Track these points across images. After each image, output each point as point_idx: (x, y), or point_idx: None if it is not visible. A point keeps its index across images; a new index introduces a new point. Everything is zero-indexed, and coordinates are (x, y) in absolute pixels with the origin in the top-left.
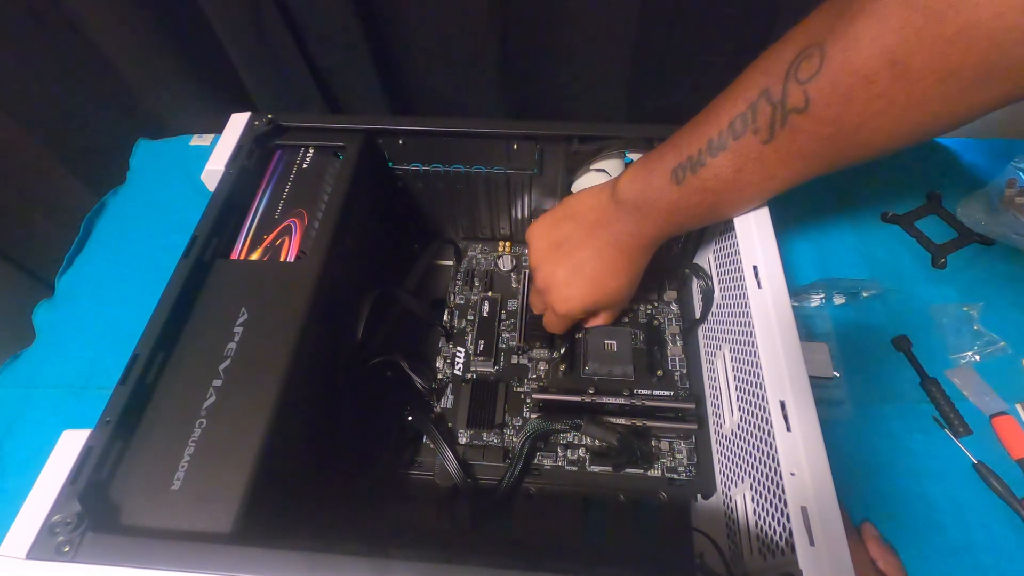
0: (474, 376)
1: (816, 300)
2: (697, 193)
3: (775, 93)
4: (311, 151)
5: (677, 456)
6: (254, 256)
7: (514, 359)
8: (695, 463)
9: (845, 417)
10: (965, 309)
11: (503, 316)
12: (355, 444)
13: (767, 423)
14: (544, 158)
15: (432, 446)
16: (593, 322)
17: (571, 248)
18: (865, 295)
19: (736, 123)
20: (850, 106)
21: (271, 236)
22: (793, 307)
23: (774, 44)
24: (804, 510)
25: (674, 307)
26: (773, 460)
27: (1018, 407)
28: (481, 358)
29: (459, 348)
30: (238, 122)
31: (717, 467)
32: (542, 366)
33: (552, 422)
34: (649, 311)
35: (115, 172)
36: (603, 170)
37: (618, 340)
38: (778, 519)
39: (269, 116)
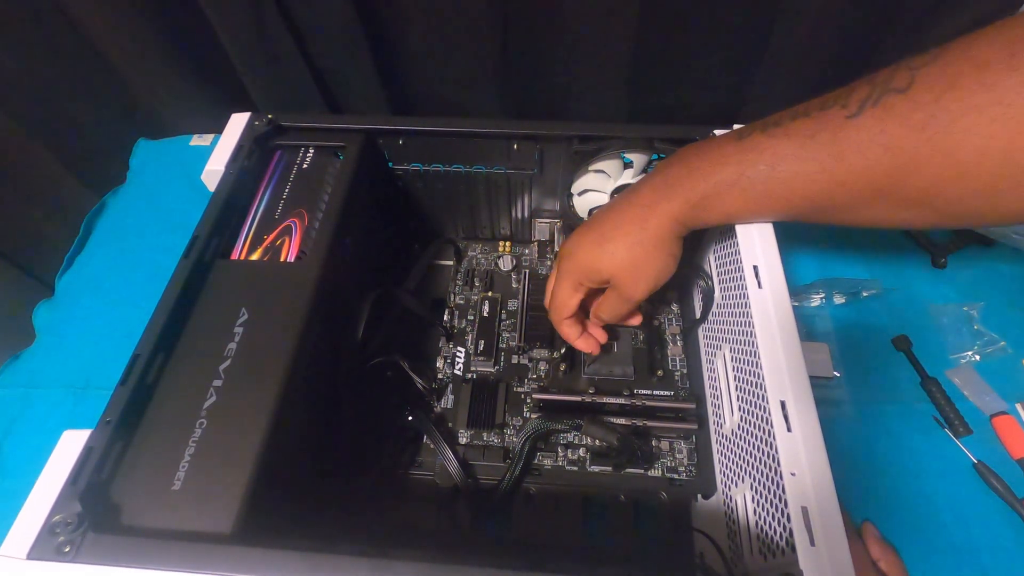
0: (474, 376)
1: (816, 300)
2: (756, 149)
3: (879, 76)
4: (311, 151)
5: (677, 456)
6: (254, 256)
7: (514, 359)
8: (695, 463)
9: (845, 417)
10: (965, 309)
11: (503, 316)
12: (355, 444)
13: (767, 423)
14: (544, 158)
15: (432, 446)
16: (600, 305)
17: (597, 217)
18: (865, 295)
19: (827, 99)
20: (952, 93)
21: (271, 236)
22: (793, 307)
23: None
24: (804, 510)
25: (674, 307)
26: (773, 460)
27: (1018, 407)
28: (481, 358)
29: (459, 348)
30: (238, 122)
31: (717, 467)
32: (542, 366)
33: (552, 422)
34: (649, 311)
35: (115, 172)
36: (603, 170)
37: (618, 340)
38: (778, 519)
39: (269, 116)
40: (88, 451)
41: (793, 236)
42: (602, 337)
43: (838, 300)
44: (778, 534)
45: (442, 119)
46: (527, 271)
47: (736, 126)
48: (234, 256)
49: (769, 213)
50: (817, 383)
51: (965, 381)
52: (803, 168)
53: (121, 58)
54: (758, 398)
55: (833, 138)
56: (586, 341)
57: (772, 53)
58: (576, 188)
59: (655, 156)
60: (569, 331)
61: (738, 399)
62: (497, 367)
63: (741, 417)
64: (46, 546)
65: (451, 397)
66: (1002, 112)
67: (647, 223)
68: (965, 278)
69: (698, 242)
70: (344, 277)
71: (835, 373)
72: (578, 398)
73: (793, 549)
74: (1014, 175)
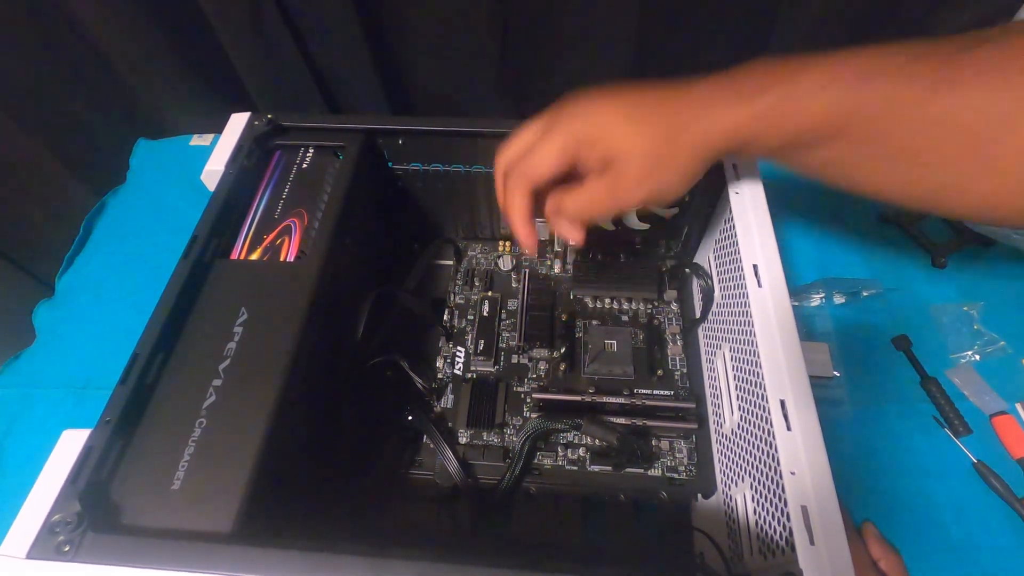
0: (474, 376)
1: (816, 300)
2: (835, 65)
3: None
4: (311, 151)
5: (677, 456)
6: (254, 256)
7: (514, 359)
8: (695, 463)
9: (845, 417)
10: (965, 309)
11: (503, 316)
12: (355, 444)
13: (767, 422)
14: None
15: (432, 446)
16: (573, 195)
17: (629, 89)
18: (865, 295)
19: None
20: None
21: (271, 236)
22: (793, 307)
23: None
24: (804, 509)
25: (674, 307)
26: (773, 459)
27: (1018, 407)
28: (481, 358)
29: (459, 348)
30: (238, 122)
31: (717, 466)
32: (542, 366)
33: (552, 422)
34: (649, 311)
35: (115, 172)
36: None
37: (618, 340)
38: (778, 518)
39: (269, 116)
40: (88, 450)
41: (793, 236)
42: (574, 236)
43: (838, 300)
44: (778, 533)
45: (442, 119)
46: (527, 271)
47: None
48: (234, 256)
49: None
50: (817, 383)
51: (965, 381)
52: (893, 100)
53: (121, 58)
54: (758, 397)
55: (934, 70)
56: (531, 232)
57: (772, 53)
58: None
59: None
60: (522, 203)
61: (738, 398)
62: (497, 367)
63: (741, 416)
64: (46, 545)
65: (451, 397)
66: None
67: (691, 123)
68: (965, 278)
69: (698, 242)
70: (344, 277)
71: (835, 373)
72: (578, 398)
73: (793, 548)
74: None
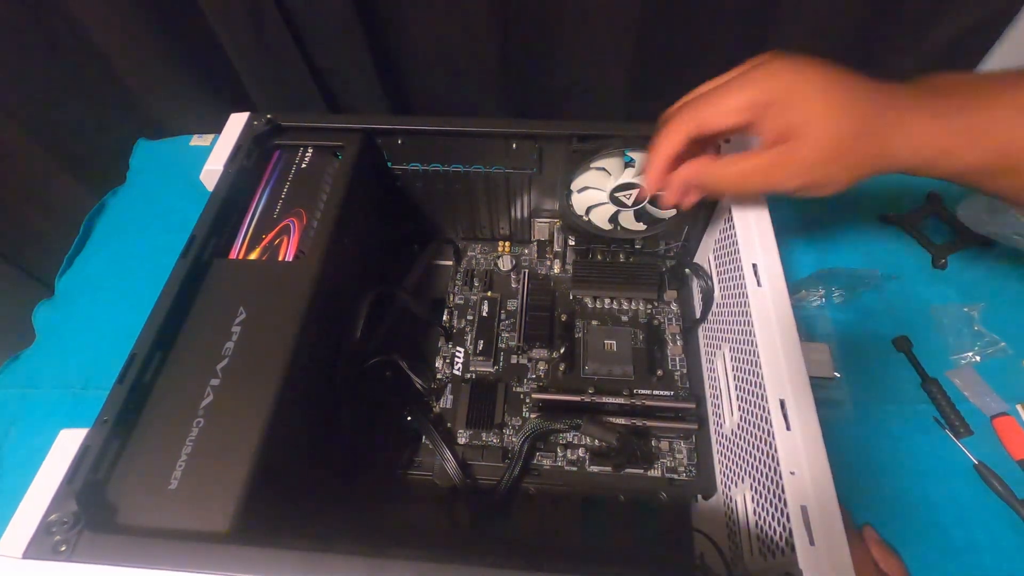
0: (473, 376)
1: (816, 300)
2: None
3: None
4: (310, 151)
5: (677, 456)
6: (252, 256)
7: (513, 359)
8: (695, 463)
9: (845, 417)
10: (965, 310)
11: (503, 316)
12: (353, 444)
13: (767, 422)
14: (543, 157)
15: (431, 446)
16: (732, 162)
17: (839, 73)
18: (864, 289)
19: None
20: None
21: (270, 236)
22: (793, 307)
23: None
24: (804, 509)
25: (674, 307)
26: (773, 460)
27: (1019, 407)
28: (480, 358)
29: (458, 348)
30: (237, 122)
31: (717, 467)
32: (542, 366)
33: (551, 422)
34: (649, 311)
35: (115, 172)
36: (604, 168)
37: (618, 340)
38: (778, 519)
39: (268, 116)
40: (85, 450)
41: (793, 237)
42: (692, 197)
43: (838, 298)
44: (778, 534)
45: (441, 119)
46: (526, 271)
47: None
48: (232, 255)
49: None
50: (817, 383)
51: (966, 382)
52: None
53: (121, 58)
54: (758, 397)
55: None
56: (662, 179)
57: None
58: (576, 185)
59: None
60: (676, 145)
61: (738, 398)
62: (496, 367)
63: (741, 417)
64: (42, 545)
65: (450, 397)
66: None
67: (888, 127)
68: (966, 279)
69: (698, 242)
70: (343, 277)
71: (835, 374)
72: (577, 398)
73: (793, 549)
74: None
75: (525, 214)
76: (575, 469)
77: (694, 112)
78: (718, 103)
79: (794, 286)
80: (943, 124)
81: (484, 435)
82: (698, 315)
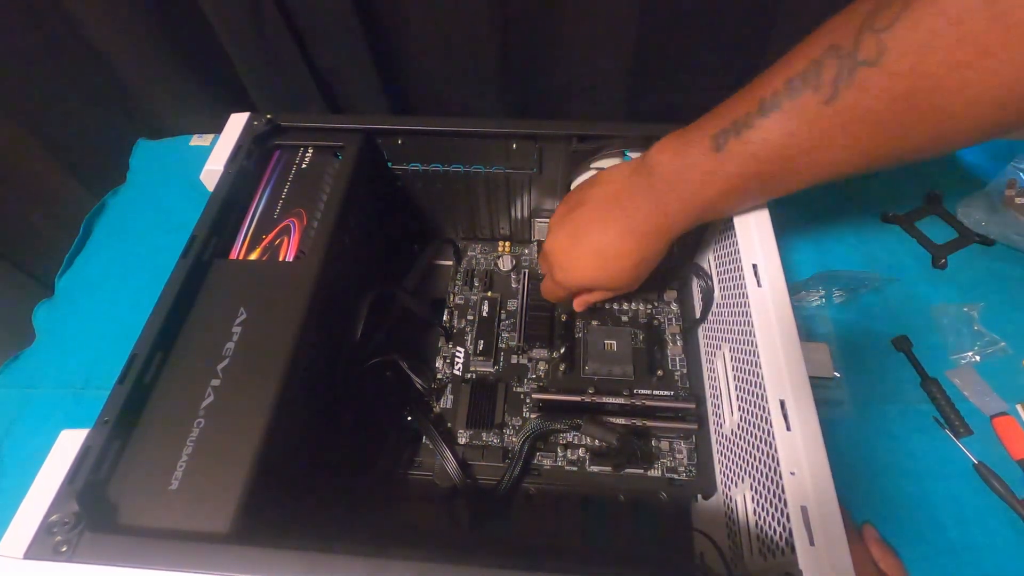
0: (474, 376)
1: (816, 300)
2: (737, 161)
3: (845, 46)
4: (310, 151)
5: (677, 456)
6: (253, 256)
7: (514, 359)
8: (695, 463)
9: (845, 417)
10: (965, 309)
11: (503, 316)
12: (354, 444)
13: (767, 423)
14: (544, 158)
15: (431, 446)
16: (585, 299)
17: (581, 217)
18: (864, 290)
19: (795, 81)
20: (930, 55)
21: (270, 236)
22: (793, 307)
23: (849, 5)
24: (804, 510)
25: (674, 307)
26: (773, 460)
27: (1018, 407)
28: (481, 358)
29: (459, 348)
30: (237, 122)
31: (717, 467)
32: (542, 366)
33: (552, 422)
34: (649, 311)
35: (115, 172)
36: (603, 168)
37: (618, 340)
38: (778, 519)
39: (268, 116)
40: (86, 450)
41: (793, 236)
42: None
43: (838, 299)
44: (778, 534)
45: (441, 119)
46: (526, 271)
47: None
48: (233, 256)
49: (759, 203)
50: (817, 383)
51: (965, 382)
52: (788, 168)
53: (121, 58)
54: (758, 397)
55: (815, 131)
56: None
57: (772, 53)
58: (576, 185)
59: None
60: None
61: (738, 398)
62: (496, 367)
63: (741, 417)
64: (43, 545)
65: (450, 397)
66: (991, 65)
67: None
68: (965, 278)
69: (698, 242)
70: (343, 277)
71: (835, 373)
72: (578, 398)
73: (793, 549)
74: (1010, 117)
75: (525, 214)
76: (575, 469)
77: (550, 294)
78: (551, 286)
79: (794, 287)
80: (661, 193)
81: (484, 435)
82: (698, 315)
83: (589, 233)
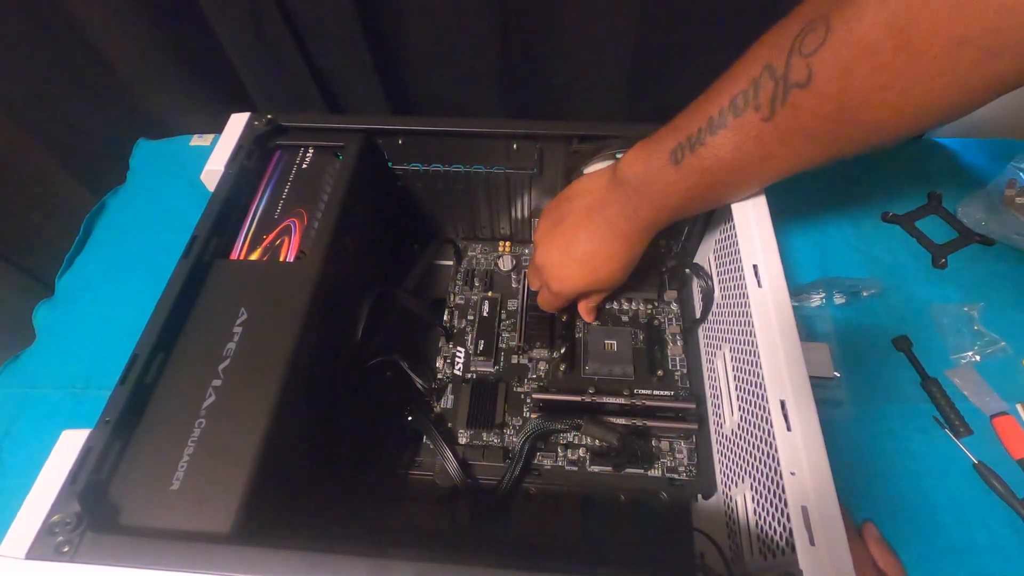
0: (474, 376)
1: (816, 300)
2: (695, 174)
3: (778, 68)
4: (310, 151)
5: (677, 456)
6: (253, 256)
7: (514, 359)
8: (695, 463)
9: (845, 417)
10: (965, 309)
11: (503, 316)
12: (355, 444)
13: (767, 423)
14: (544, 158)
15: (432, 446)
16: (585, 303)
17: (568, 229)
18: (865, 294)
19: (738, 100)
20: (852, 80)
21: (271, 236)
22: (793, 307)
23: (781, 20)
24: (804, 510)
25: (674, 307)
26: (773, 460)
27: (1018, 407)
28: (481, 358)
29: (459, 348)
30: (237, 122)
31: (717, 467)
32: (542, 366)
33: (552, 422)
34: (649, 311)
35: (115, 172)
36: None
37: (618, 340)
38: (778, 519)
39: (269, 116)
40: (87, 451)
41: (793, 236)
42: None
43: (838, 300)
44: (778, 534)
45: (442, 119)
46: (527, 271)
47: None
48: (233, 256)
49: (723, 203)
50: (817, 383)
51: (965, 381)
52: (740, 177)
53: (121, 58)
54: (758, 397)
55: (759, 145)
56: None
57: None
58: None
59: None
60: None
61: (738, 399)
62: (497, 367)
63: (741, 417)
64: (45, 546)
65: (451, 397)
66: (905, 85)
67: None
68: (965, 278)
69: (698, 242)
70: (344, 277)
71: (835, 373)
72: (578, 398)
73: (793, 549)
74: (929, 121)
75: (526, 214)
76: (576, 469)
77: (548, 305)
78: (549, 297)
79: (795, 290)
80: (635, 201)
81: (485, 435)
82: (698, 315)
83: (578, 243)
